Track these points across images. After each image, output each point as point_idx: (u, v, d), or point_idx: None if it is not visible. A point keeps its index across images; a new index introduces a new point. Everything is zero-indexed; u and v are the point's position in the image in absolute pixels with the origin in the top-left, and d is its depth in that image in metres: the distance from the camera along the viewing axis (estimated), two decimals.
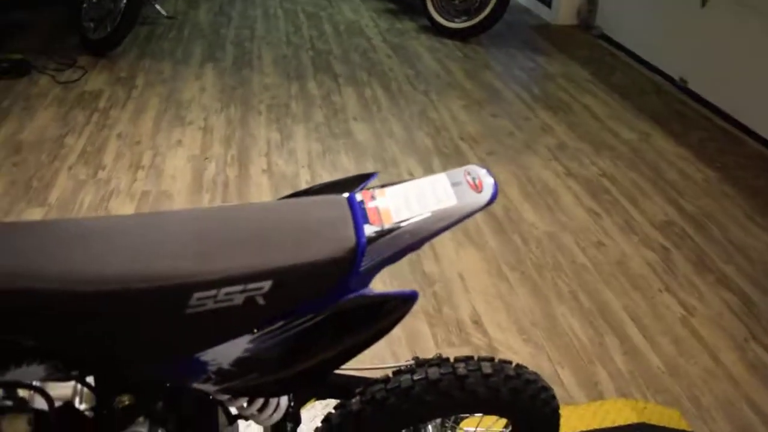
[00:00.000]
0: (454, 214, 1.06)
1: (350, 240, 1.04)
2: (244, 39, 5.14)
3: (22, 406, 1.24)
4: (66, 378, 1.05)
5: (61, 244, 1.00)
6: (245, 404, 1.31)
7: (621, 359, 2.35)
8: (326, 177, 3.34)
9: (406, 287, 2.61)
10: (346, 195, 1.13)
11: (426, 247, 2.86)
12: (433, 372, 1.40)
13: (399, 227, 1.05)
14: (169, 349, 1.05)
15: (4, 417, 1.13)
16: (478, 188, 1.08)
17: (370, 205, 1.09)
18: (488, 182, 1.08)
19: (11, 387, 1.09)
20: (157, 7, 5.30)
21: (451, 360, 1.43)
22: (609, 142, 3.78)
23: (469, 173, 1.11)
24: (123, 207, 3.06)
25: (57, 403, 1.22)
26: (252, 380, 1.10)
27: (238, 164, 3.44)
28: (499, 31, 5.29)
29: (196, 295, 0.99)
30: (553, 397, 1.51)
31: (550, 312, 2.54)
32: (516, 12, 5.85)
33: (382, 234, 1.04)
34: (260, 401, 1.33)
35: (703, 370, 2.33)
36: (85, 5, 4.62)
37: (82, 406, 1.27)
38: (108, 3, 4.53)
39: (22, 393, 1.11)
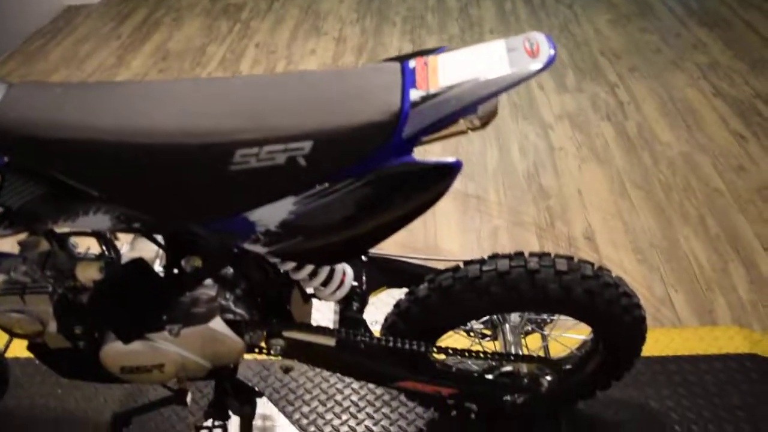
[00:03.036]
0: (503, 80, 0.98)
1: (394, 104, 1.00)
2: None
3: (94, 254, 1.34)
4: (129, 230, 1.12)
5: (121, 101, 1.05)
6: (308, 276, 1.34)
7: (745, 288, 2.17)
8: None
9: (521, 198, 2.54)
10: (396, 62, 1.09)
11: (545, 158, 2.77)
12: (503, 264, 1.36)
13: (444, 92, 0.99)
14: (218, 206, 1.08)
15: (77, 262, 1.24)
16: (534, 54, 0.99)
17: (420, 71, 1.04)
18: (545, 48, 0.99)
19: (82, 234, 1.17)
20: None
21: (526, 255, 1.38)
22: None
23: (528, 39, 1.02)
24: None
25: (128, 257, 1.32)
26: (298, 244, 1.12)
27: None
28: None
29: (240, 151, 1.00)
30: (638, 306, 1.42)
31: (672, 234, 2.38)
32: None
33: (426, 98, 1.00)
34: (323, 275, 1.36)
35: None
36: None
37: (153, 264, 1.35)
38: None
39: (95, 242, 1.20)
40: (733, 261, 2.27)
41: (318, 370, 1.94)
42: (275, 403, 1.86)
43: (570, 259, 1.37)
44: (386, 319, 1.47)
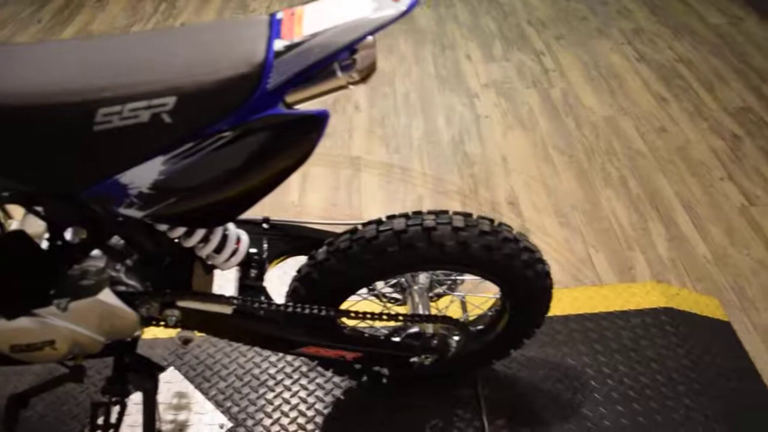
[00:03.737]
0: (367, 24, 0.96)
1: (258, 55, 0.97)
2: None
3: None
4: (4, 200, 1.07)
5: None
6: (199, 243, 1.30)
7: (664, 246, 2.19)
8: (381, 60, 3.24)
9: (445, 167, 2.53)
10: (268, 15, 1.06)
11: (470, 127, 2.76)
12: (399, 222, 1.34)
13: (308, 40, 0.97)
14: (87, 171, 1.03)
15: None
16: None
17: (287, 21, 1.01)
18: None
19: None
20: None
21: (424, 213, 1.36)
22: (693, 26, 3.44)
23: None
24: None
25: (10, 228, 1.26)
26: (172, 206, 1.08)
27: None
28: None
29: (102, 110, 0.96)
30: (540, 260, 1.41)
31: (594, 196, 2.39)
32: None
33: (291, 47, 0.97)
34: (215, 242, 1.32)
35: (756, 261, 2.13)
36: None
37: (42, 238, 1.29)
38: None
39: None
40: (653, 220, 2.29)
41: (236, 345, 1.90)
42: (191, 380, 1.82)
43: (468, 215, 1.35)
44: (289, 286, 1.44)
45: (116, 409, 1.44)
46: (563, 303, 1.95)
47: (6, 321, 1.28)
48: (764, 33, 3.37)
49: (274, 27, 1.01)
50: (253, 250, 1.44)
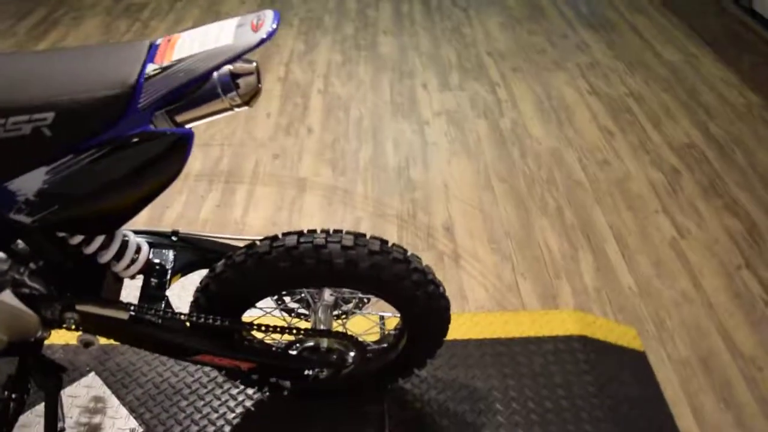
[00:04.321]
0: (226, 52, 1.05)
1: (131, 77, 1.06)
2: None
3: None
4: None
5: None
6: (99, 250, 1.35)
7: (590, 276, 2.24)
8: (339, 86, 3.31)
9: (388, 191, 2.58)
10: (149, 40, 1.14)
11: (417, 153, 2.82)
12: (291, 239, 1.38)
13: (174, 65, 1.05)
14: None
15: None
16: (257, 29, 1.06)
17: (163, 47, 1.10)
18: (267, 24, 1.06)
19: None
20: None
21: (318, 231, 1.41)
22: (648, 62, 3.52)
23: (258, 16, 1.09)
24: None
25: None
26: (56, 213, 1.15)
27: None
28: None
29: None
30: (432, 282, 1.46)
31: (528, 225, 2.44)
32: None
33: (159, 71, 1.06)
34: (113, 250, 1.37)
35: (679, 294, 2.18)
36: None
37: None
38: None
39: None
40: (583, 249, 2.34)
41: (156, 354, 1.93)
42: (110, 386, 1.85)
43: (360, 235, 1.40)
44: (193, 296, 1.49)
45: (13, 406, 1.48)
46: (480, 327, 1.99)
47: None
48: (718, 71, 3.45)
49: (152, 52, 1.10)
50: (156, 261, 1.49)
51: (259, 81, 1.16)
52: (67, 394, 1.86)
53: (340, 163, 2.76)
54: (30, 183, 1.12)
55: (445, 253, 2.31)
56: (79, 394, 1.85)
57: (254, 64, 1.15)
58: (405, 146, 2.87)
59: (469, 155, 2.80)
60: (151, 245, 1.51)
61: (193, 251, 1.55)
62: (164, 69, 1.05)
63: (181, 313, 1.40)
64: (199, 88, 1.11)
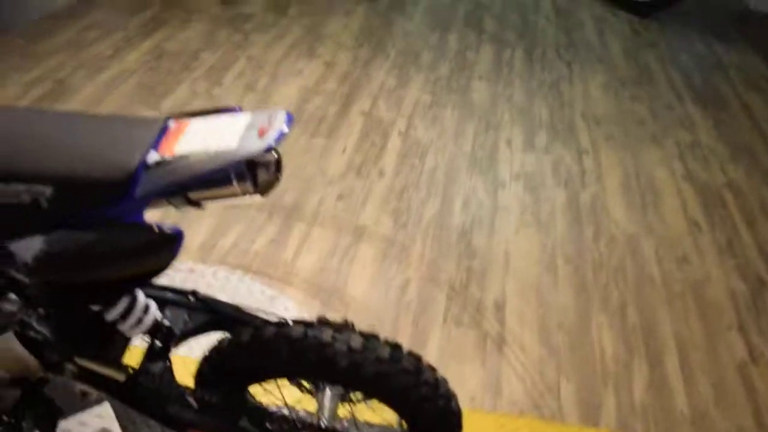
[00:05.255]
0: (226, 157, 0.98)
1: (131, 164, 1.02)
2: None
3: None
4: None
5: None
6: (105, 308, 1.32)
7: (641, 390, 2.05)
8: (421, 129, 3.22)
9: (445, 254, 2.47)
10: (163, 119, 1.08)
11: (485, 216, 2.70)
12: (298, 330, 1.31)
13: (174, 161, 1.00)
14: None
15: None
16: (263, 133, 0.99)
17: (172, 133, 1.04)
18: (275, 130, 0.98)
19: None
20: None
21: (332, 324, 1.34)
22: (754, 149, 3.25)
23: (270, 117, 1.01)
24: None
25: None
26: (54, 279, 1.15)
27: (342, 102, 3.42)
28: (687, 9, 4.72)
29: None
30: (445, 396, 1.35)
31: (585, 318, 2.27)
32: None
33: (159, 164, 1.02)
34: (120, 308, 1.34)
35: (736, 428, 1.96)
36: None
37: None
38: None
39: None
40: (640, 356, 2.15)
41: None
42: (120, 419, 1.84)
43: (372, 337, 1.31)
44: (198, 363, 1.44)
45: None
46: (505, 430, 1.85)
47: None
48: None
49: (160, 135, 1.05)
50: (166, 321, 1.45)
51: (277, 172, 1.09)
52: (77, 420, 1.87)
53: (403, 215, 2.67)
54: (28, 247, 1.10)
55: (489, 335, 2.18)
56: (90, 423, 1.85)
57: (274, 155, 1.08)
58: (474, 206, 2.75)
59: (539, 228, 2.65)
60: (165, 302, 1.47)
61: (208, 314, 1.50)
62: (164, 163, 1.00)
63: (179, 384, 1.36)
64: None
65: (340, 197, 2.76)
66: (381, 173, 2.91)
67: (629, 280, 2.44)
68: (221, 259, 2.42)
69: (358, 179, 2.87)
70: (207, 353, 1.41)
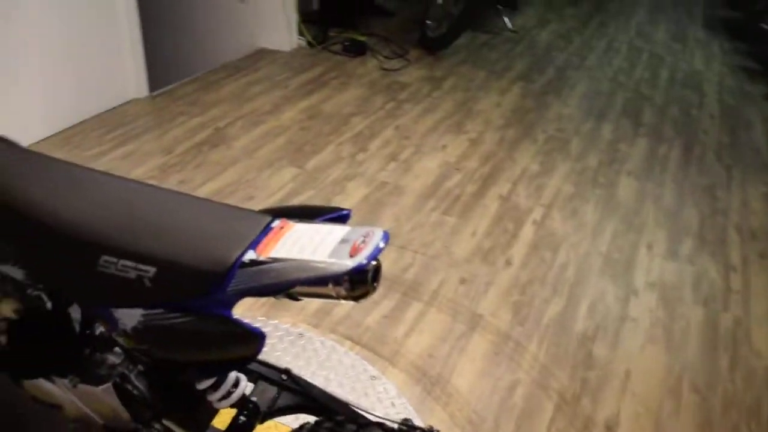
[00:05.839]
0: (314, 270, 1.00)
1: (228, 259, 1.06)
2: (569, 66, 5.00)
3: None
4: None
5: (47, 179, 1.21)
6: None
7: None
8: (558, 221, 3.13)
9: (561, 360, 2.35)
10: (270, 217, 1.11)
11: (610, 326, 2.55)
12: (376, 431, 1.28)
13: (268, 264, 1.03)
14: (92, 294, 1.19)
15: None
16: (355, 252, 0.98)
17: (274, 233, 1.07)
18: (366, 251, 0.98)
19: None
20: (505, 20, 5.43)
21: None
22: None
23: (366, 235, 1.01)
24: (356, 190, 3.26)
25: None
26: (145, 351, 1.20)
27: (481, 183, 3.40)
28: None
29: (104, 257, 1.11)
30: None
31: None
32: None
33: (254, 264, 1.05)
34: (211, 380, 1.38)
35: None
36: (432, 4, 4.93)
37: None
38: (450, 6, 4.78)
39: None
40: None
41: None
42: None
43: None
44: None
45: None
46: None
47: (29, 377, 1.45)
48: None
49: (263, 233, 1.08)
50: (254, 397, 1.47)
51: (375, 281, 1.07)
52: None
53: (523, 311, 2.58)
54: (129, 318, 1.17)
55: None
56: None
57: (373, 263, 1.06)
58: (600, 313, 2.60)
59: (669, 347, 2.46)
60: (257, 377, 1.50)
61: (296, 396, 1.51)
62: (259, 263, 1.03)
63: None
64: None
65: (462, 281, 2.71)
66: (508, 262, 2.84)
67: (763, 424, 2.19)
68: (333, 328, 2.44)
69: (483, 265, 2.81)
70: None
